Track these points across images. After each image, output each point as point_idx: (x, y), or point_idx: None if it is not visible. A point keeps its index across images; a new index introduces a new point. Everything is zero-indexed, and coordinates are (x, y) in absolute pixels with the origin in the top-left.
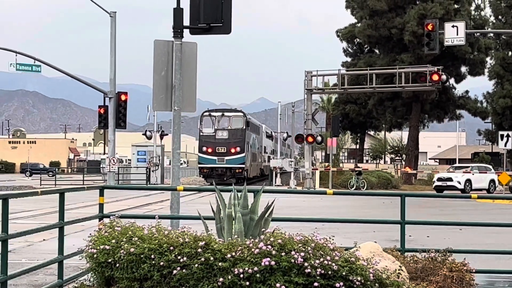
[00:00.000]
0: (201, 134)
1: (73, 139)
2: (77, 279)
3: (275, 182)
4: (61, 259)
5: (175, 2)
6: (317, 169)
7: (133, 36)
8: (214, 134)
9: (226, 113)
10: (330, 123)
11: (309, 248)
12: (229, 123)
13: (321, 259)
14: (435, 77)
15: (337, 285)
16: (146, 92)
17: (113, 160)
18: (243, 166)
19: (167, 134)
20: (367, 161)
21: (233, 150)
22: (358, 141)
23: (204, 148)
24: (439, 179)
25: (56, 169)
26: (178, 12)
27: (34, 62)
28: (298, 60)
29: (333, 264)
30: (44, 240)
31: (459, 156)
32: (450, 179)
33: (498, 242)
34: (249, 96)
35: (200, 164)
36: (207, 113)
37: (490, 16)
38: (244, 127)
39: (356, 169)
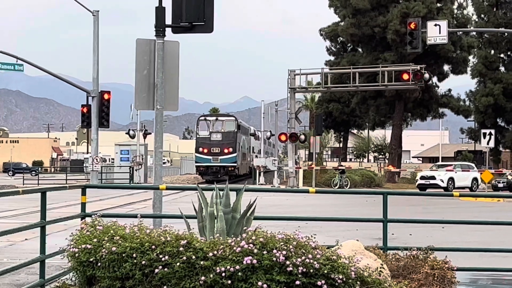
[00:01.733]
0: (197, 136)
1: (56, 138)
2: (59, 279)
3: (259, 181)
4: (43, 258)
5: (157, 1)
6: (300, 168)
7: (116, 35)
8: (209, 136)
9: (219, 118)
10: (313, 121)
11: (291, 247)
12: (222, 127)
13: (303, 258)
14: (418, 76)
15: (319, 283)
16: (129, 91)
17: (96, 159)
18: (235, 164)
19: (150, 133)
20: (350, 159)
21: (226, 151)
22: (342, 139)
23: (200, 149)
24: (422, 178)
25: (39, 168)
26: (160, 11)
27: (17, 61)
28: (282, 59)
29: (315, 262)
30: (26, 239)
31: (442, 154)
32: (433, 178)
33: (481, 240)
34: (233, 95)
35: (197, 163)
36: (203, 118)
37: (473, 14)
38: (236, 130)
39: (340, 167)
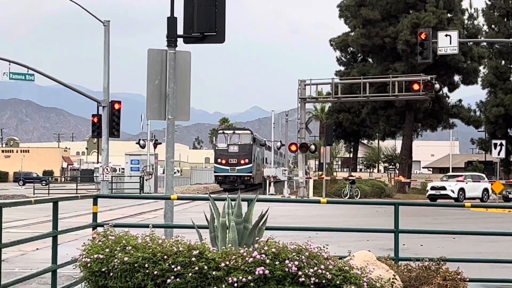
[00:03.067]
0: (216, 148)
1: (66, 148)
2: None
3: (269, 191)
4: (55, 268)
5: (168, 12)
6: (310, 178)
7: (126, 45)
8: (227, 148)
9: (236, 131)
10: (323, 132)
11: (303, 257)
12: (239, 139)
13: (315, 268)
14: (428, 86)
15: None
16: (140, 101)
17: (107, 169)
18: (250, 174)
19: (160, 143)
20: (360, 170)
21: (242, 161)
22: (352, 150)
23: (219, 160)
24: (432, 188)
25: (50, 178)
26: (172, 21)
27: (28, 71)
28: (292, 69)
29: (327, 273)
30: (37, 249)
31: (453, 165)
32: (443, 188)
33: (492, 250)
34: (243, 105)
35: (215, 172)
36: (221, 131)
37: (483, 25)
38: (251, 143)
39: (350, 178)
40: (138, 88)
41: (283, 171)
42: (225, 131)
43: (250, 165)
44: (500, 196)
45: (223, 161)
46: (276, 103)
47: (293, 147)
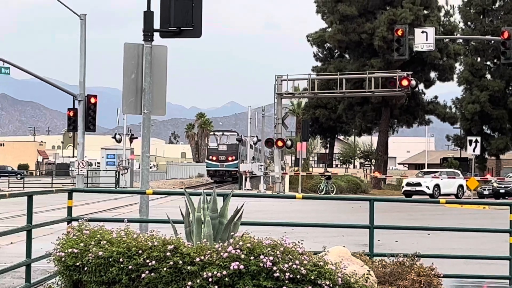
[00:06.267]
0: (208, 147)
1: (42, 141)
2: (45, 283)
3: (245, 186)
4: (29, 262)
5: (145, 6)
6: (286, 173)
7: (102, 39)
8: (217, 147)
9: (225, 133)
10: (300, 127)
11: (278, 252)
12: (227, 140)
13: (290, 263)
14: (405, 83)
15: None
16: (116, 95)
17: (82, 163)
18: (236, 169)
19: (136, 138)
20: (336, 165)
21: (230, 158)
22: (328, 145)
23: (210, 157)
24: (408, 184)
25: (25, 171)
26: (148, 15)
27: (3, 64)
28: (269, 65)
29: (302, 268)
30: (11, 243)
31: (428, 161)
32: (419, 184)
33: (466, 246)
34: (219, 100)
35: (207, 167)
36: (212, 133)
37: (459, 22)
38: (237, 143)
39: (326, 173)
40: (114, 82)
41: (259, 167)
42: (216, 133)
43: (237, 161)
44: (475, 193)
45: (214, 158)
46: (253, 98)
47: (270, 143)
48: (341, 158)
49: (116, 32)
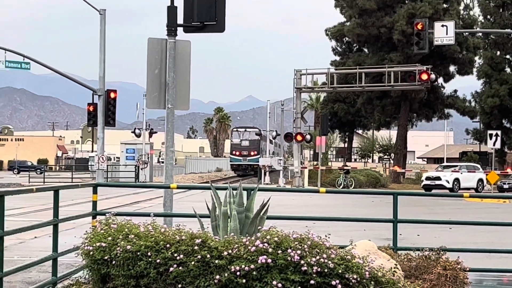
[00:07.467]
0: (231, 143)
1: (61, 136)
2: (71, 276)
3: (264, 181)
4: (56, 256)
5: (169, 1)
6: (306, 168)
7: (122, 34)
8: (240, 143)
9: (247, 129)
10: (318, 121)
11: (305, 246)
12: (249, 136)
13: (318, 257)
14: (424, 76)
15: (333, 282)
16: (135, 90)
17: (103, 158)
18: (258, 163)
19: (156, 132)
20: (355, 160)
21: (252, 153)
22: (347, 140)
23: (234, 152)
24: (427, 178)
25: (44, 166)
26: (172, 10)
27: (23, 59)
28: (287, 59)
29: (329, 262)
30: (36, 237)
31: (447, 155)
32: (438, 178)
33: (488, 240)
34: (237, 94)
35: (231, 162)
36: (235, 129)
37: (479, 15)
38: (259, 138)
39: (345, 167)
40: (133, 77)
41: (278, 161)
42: (239, 129)
43: (258, 155)
44: (495, 187)
45: (237, 153)
46: (271, 93)
47: (289, 137)
48: (360, 152)
49: (136, 27)
